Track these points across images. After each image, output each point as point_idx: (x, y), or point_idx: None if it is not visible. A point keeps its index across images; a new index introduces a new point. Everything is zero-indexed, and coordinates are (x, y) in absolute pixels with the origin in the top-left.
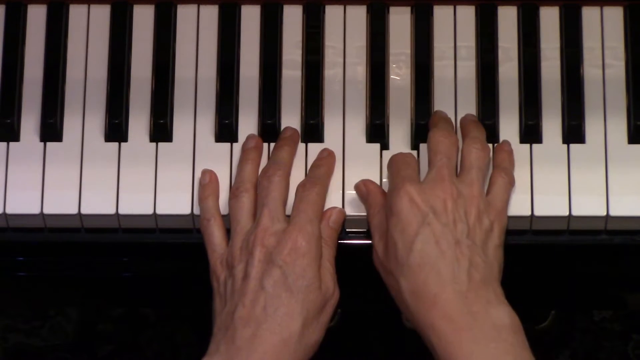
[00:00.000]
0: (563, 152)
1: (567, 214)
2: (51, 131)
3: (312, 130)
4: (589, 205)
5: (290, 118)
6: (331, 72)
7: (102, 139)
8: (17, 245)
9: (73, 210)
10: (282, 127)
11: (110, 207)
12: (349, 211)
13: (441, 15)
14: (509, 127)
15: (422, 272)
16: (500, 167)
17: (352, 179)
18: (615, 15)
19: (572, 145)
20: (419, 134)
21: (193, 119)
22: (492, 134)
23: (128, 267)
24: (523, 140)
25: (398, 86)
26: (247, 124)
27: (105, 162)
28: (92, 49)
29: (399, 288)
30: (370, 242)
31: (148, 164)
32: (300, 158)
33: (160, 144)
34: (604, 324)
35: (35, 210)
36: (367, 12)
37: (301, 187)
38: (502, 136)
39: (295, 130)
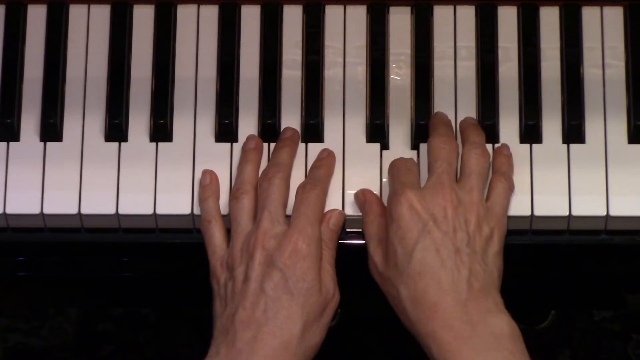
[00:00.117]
0: (563, 152)
1: (567, 214)
2: (51, 131)
3: (312, 130)
4: (589, 205)
5: (290, 118)
6: (331, 72)
7: (102, 138)
8: (17, 245)
9: (73, 210)
10: (282, 127)
11: (111, 207)
12: (349, 211)
13: (441, 15)
14: (508, 127)
15: (422, 280)
16: (500, 171)
17: (352, 179)
18: (615, 15)
19: (572, 145)
20: (419, 134)
21: (193, 119)
22: (492, 134)
23: (128, 267)
24: (523, 140)
25: (398, 86)
26: (247, 124)
27: (105, 162)
28: (92, 49)
29: (398, 296)
30: None
31: (148, 164)
32: (300, 158)
33: (160, 144)
34: (604, 324)
35: (35, 210)
36: (367, 12)
37: (301, 188)
38: (502, 136)
39: (295, 130)
